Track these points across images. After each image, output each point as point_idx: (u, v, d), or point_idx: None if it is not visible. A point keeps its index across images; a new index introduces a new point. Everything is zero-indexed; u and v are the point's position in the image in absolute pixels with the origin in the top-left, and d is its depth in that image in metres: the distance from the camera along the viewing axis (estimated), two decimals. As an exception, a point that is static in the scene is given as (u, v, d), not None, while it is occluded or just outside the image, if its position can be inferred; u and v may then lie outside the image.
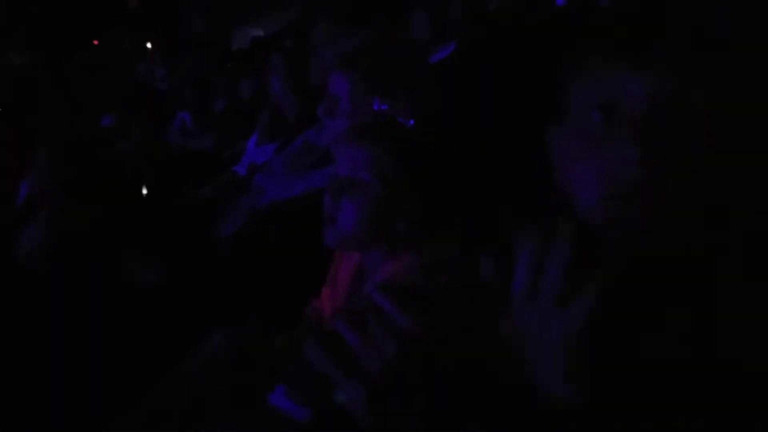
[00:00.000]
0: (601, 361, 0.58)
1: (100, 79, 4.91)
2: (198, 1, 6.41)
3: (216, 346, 1.28)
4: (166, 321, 1.54)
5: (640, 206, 0.59)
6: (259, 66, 3.56)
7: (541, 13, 2.20)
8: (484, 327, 0.63)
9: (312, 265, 1.43)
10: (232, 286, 1.67)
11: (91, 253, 1.71)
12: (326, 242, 1.19)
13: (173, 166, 3.31)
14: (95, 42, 7.47)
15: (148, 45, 6.06)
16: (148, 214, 2.17)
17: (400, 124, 1.21)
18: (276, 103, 2.69)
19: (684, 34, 0.59)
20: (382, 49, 1.52)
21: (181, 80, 4.77)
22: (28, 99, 3.94)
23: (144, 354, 1.42)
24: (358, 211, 1.12)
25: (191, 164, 3.29)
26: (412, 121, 1.22)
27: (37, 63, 5.34)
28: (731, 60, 0.58)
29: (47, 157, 2.14)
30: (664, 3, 0.61)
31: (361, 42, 1.59)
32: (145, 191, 2.76)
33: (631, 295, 0.62)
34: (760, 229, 0.60)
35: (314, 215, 1.20)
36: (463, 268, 0.97)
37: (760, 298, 0.57)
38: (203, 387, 1.14)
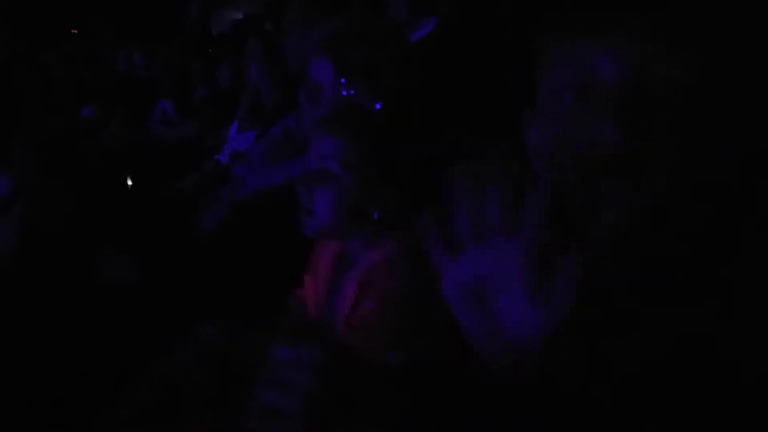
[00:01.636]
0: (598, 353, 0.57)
1: (78, 69, 4.83)
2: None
3: (199, 340, 1.28)
4: (146, 317, 1.53)
5: (624, 186, 0.57)
6: (239, 51, 3.51)
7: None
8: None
9: (294, 254, 1.42)
10: (214, 279, 1.66)
11: (67, 248, 1.69)
12: (305, 232, 1.19)
13: (155, 156, 3.28)
14: (73, 31, 7.37)
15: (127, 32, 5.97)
16: (127, 208, 2.15)
17: (368, 112, 1.20)
18: (255, 89, 2.65)
19: (651, 3, 0.57)
20: (362, 33, 1.50)
21: (160, 67, 4.70)
22: (4, 92, 3.87)
23: (123, 351, 1.41)
24: (330, 201, 1.13)
25: (173, 153, 3.26)
26: (382, 107, 1.21)
27: (12, 55, 5.24)
28: (706, 26, 0.56)
29: (23, 152, 2.12)
30: None
31: (340, 26, 1.56)
32: (129, 182, 2.73)
33: (621, 284, 0.61)
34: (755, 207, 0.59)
35: (295, 204, 1.20)
36: None
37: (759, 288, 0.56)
38: (186, 384, 1.14)
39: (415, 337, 0.75)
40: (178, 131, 3.68)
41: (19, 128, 2.91)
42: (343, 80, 1.37)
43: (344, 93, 1.34)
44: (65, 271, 1.69)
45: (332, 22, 1.62)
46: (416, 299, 1.01)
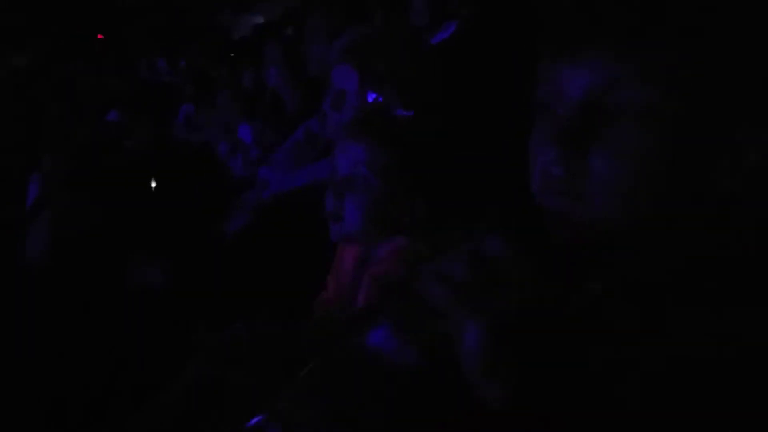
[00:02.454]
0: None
1: (104, 77, 4.91)
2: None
3: (230, 341, 1.29)
4: (173, 319, 1.55)
5: (578, 203, 0.58)
6: (260, 55, 3.55)
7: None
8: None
9: (318, 255, 1.44)
10: (240, 282, 1.68)
11: (94, 253, 1.72)
12: (332, 239, 1.19)
13: (179, 160, 3.32)
14: (99, 36, 7.49)
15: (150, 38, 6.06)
16: (154, 213, 2.18)
17: (397, 117, 1.20)
18: (276, 93, 2.68)
19: (617, 27, 0.56)
20: (385, 39, 1.51)
21: (183, 72, 4.76)
22: (31, 101, 3.95)
23: (153, 353, 1.43)
24: (360, 207, 1.12)
25: (197, 157, 3.30)
26: (410, 113, 1.21)
27: (38, 64, 5.34)
28: (676, 54, 0.54)
29: (51, 159, 2.16)
30: None
31: (363, 33, 1.57)
32: (153, 185, 2.77)
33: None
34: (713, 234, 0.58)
35: (319, 206, 1.21)
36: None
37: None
38: (215, 385, 1.15)
39: (428, 332, 0.75)
40: (201, 135, 3.72)
41: (46, 136, 2.97)
42: (369, 87, 1.38)
43: (371, 99, 1.35)
44: (94, 276, 1.72)
45: (356, 29, 1.63)
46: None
